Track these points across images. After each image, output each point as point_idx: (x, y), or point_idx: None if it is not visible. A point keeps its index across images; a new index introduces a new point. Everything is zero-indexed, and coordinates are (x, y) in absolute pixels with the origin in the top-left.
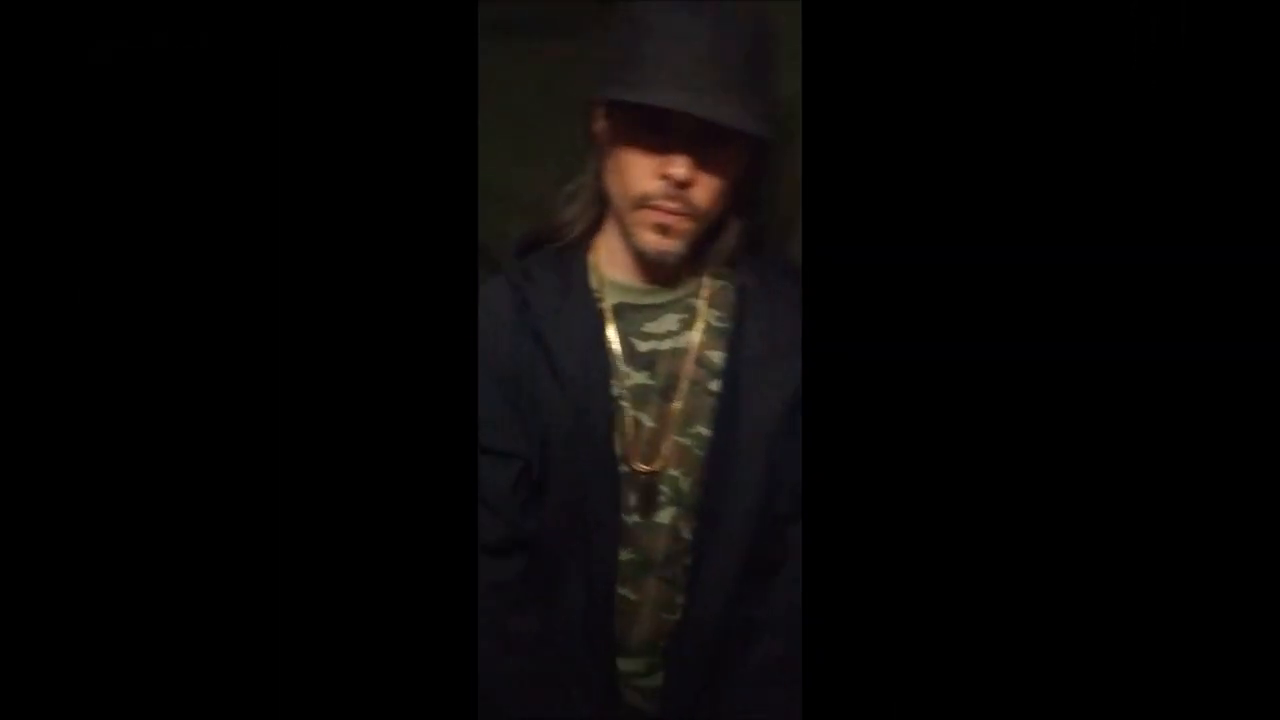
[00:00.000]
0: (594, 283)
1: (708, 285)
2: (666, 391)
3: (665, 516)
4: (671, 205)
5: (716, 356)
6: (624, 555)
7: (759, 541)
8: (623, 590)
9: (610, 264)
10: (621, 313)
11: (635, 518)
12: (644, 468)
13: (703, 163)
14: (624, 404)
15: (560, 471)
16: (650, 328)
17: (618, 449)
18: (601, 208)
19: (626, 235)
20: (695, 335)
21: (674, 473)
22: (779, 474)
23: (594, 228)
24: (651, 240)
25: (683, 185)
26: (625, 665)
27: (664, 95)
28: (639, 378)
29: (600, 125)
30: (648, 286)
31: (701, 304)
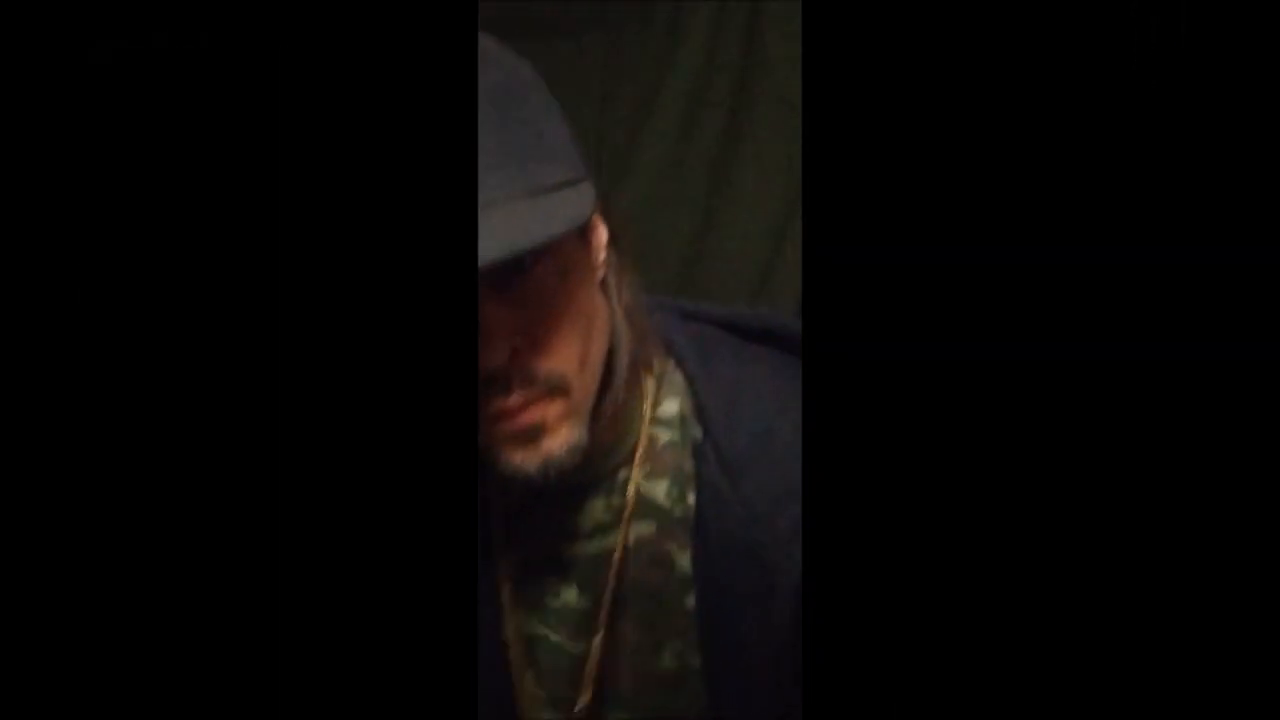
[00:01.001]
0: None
1: (648, 440)
2: (620, 607)
3: None
4: (516, 400)
5: (677, 554)
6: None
7: None
8: None
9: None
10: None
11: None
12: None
13: (520, 305)
14: (547, 638)
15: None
16: (571, 524)
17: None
18: None
19: (496, 464)
20: (642, 526)
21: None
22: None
23: None
24: (522, 457)
25: (507, 369)
26: None
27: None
28: (568, 597)
29: None
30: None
31: (640, 477)
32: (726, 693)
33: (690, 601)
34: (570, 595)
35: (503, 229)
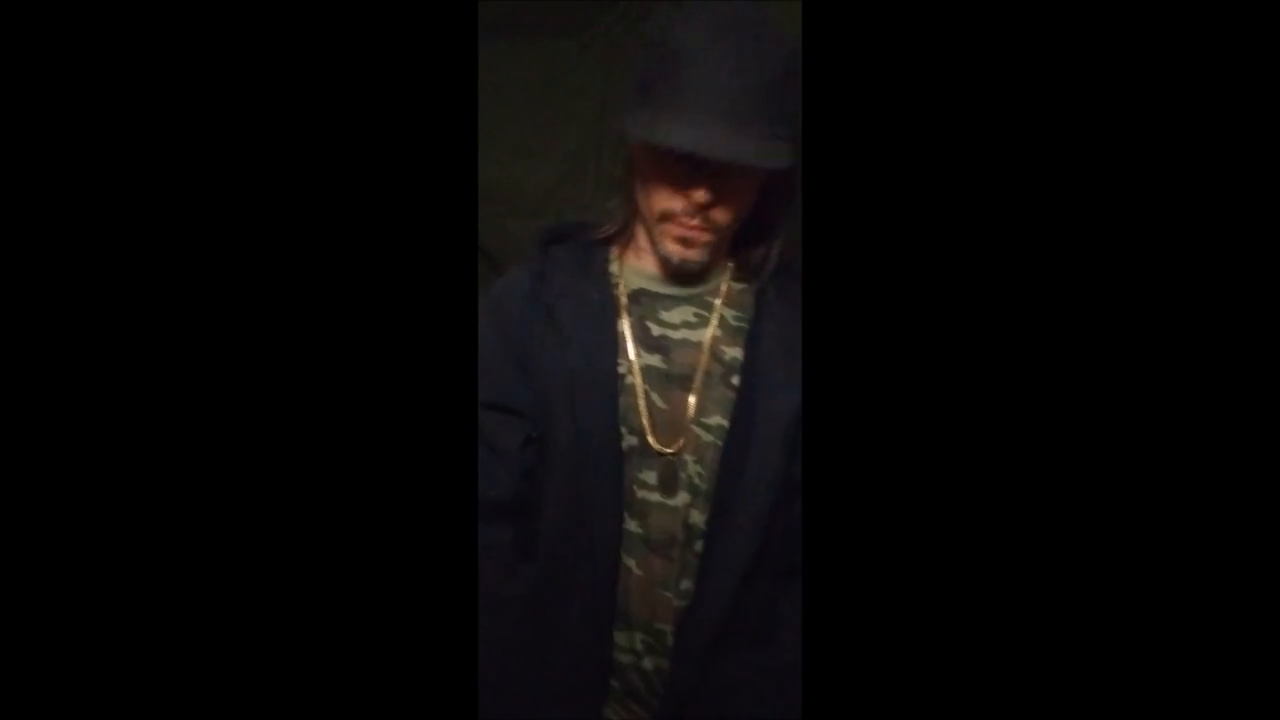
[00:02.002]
0: (614, 270)
1: (726, 286)
2: (682, 380)
3: (679, 499)
4: (693, 221)
5: (732, 352)
6: (630, 526)
7: (774, 539)
8: (627, 560)
9: (635, 257)
10: (637, 298)
11: (653, 495)
12: (664, 448)
13: (724, 189)
14: (631, 380)
15: (562, 438)
16: (665, 316)
17: (628, 423)
18: (631, 215)
19: (652, 242)
20: (710, 330)
21: (689, 458)
22: (795, 475)
23: (623, 230)
24: (674, 250)
25: (705, 208)
26: (620, 639)
27: (686, 136)
28: (650, 359)
29: (634, 150)
30: (667, 280)
31: (718, 302)
32: (745, 448)
33: (736, 380)
34: (654, 359)
35: (759, 149)
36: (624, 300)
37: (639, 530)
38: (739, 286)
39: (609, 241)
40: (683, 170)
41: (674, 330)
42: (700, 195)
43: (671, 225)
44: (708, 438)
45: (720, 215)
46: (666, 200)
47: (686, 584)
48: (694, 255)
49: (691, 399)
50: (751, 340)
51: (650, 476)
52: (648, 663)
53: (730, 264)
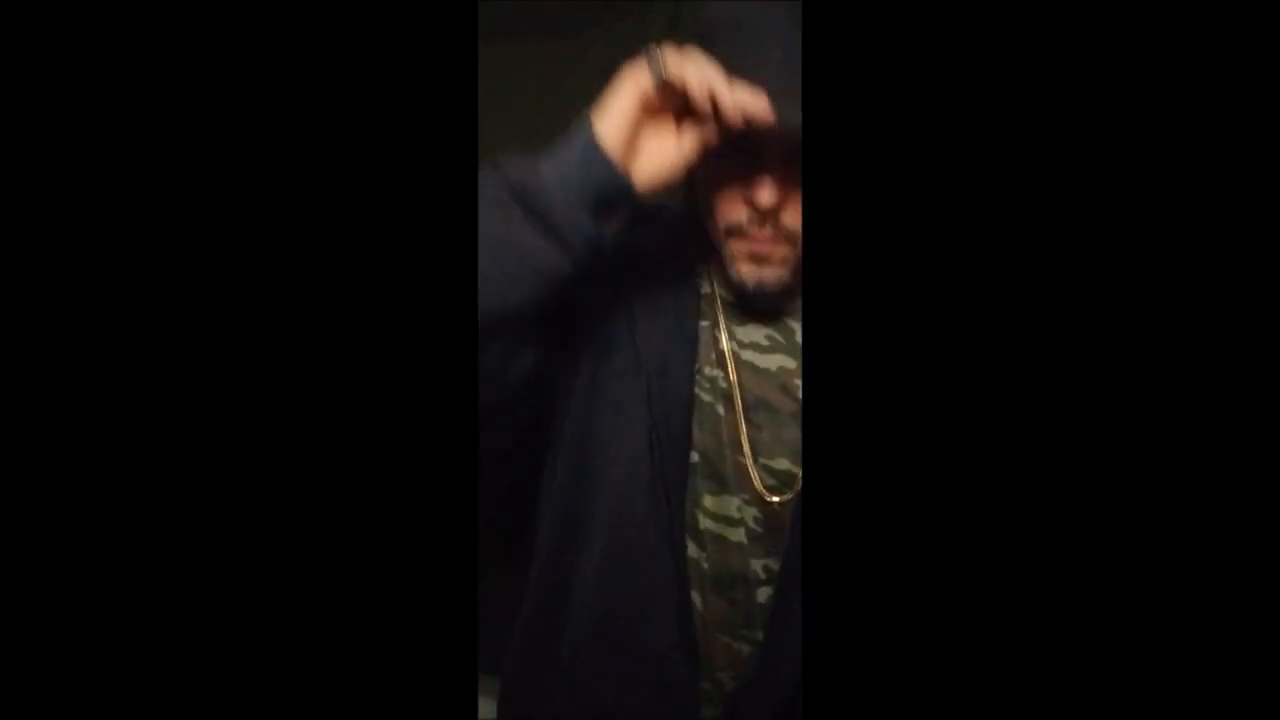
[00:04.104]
0: (699, 266)
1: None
2: (737, 405)
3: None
4: (764, 233)
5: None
6: (691, 553)
7: None
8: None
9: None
10: (713, 300)
11: (757, 547)
12: (773, 498)
13: (791, 183)
14: (703, 395)
15: (608, 431)
16: (738, 331)
17: (697, 437)
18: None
19: (726, 268)
20: (782, 358)
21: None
22: None
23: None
24: (748, 271)
25: (772, 211)
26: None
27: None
28: (715, 374)
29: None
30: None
31: (799, 327)
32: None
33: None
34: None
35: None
36: (705, 297)
37: (699, 558)
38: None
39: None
40: (743, 161)
41: (742, 350)
42: (764, 192)
43: (740, 241)
44: (768, 482)
45: (792, 220)
46: (730, 209)
47: (753, 637)
48: (771, 275)
49: (753, 433)
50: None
51: (754, 522)
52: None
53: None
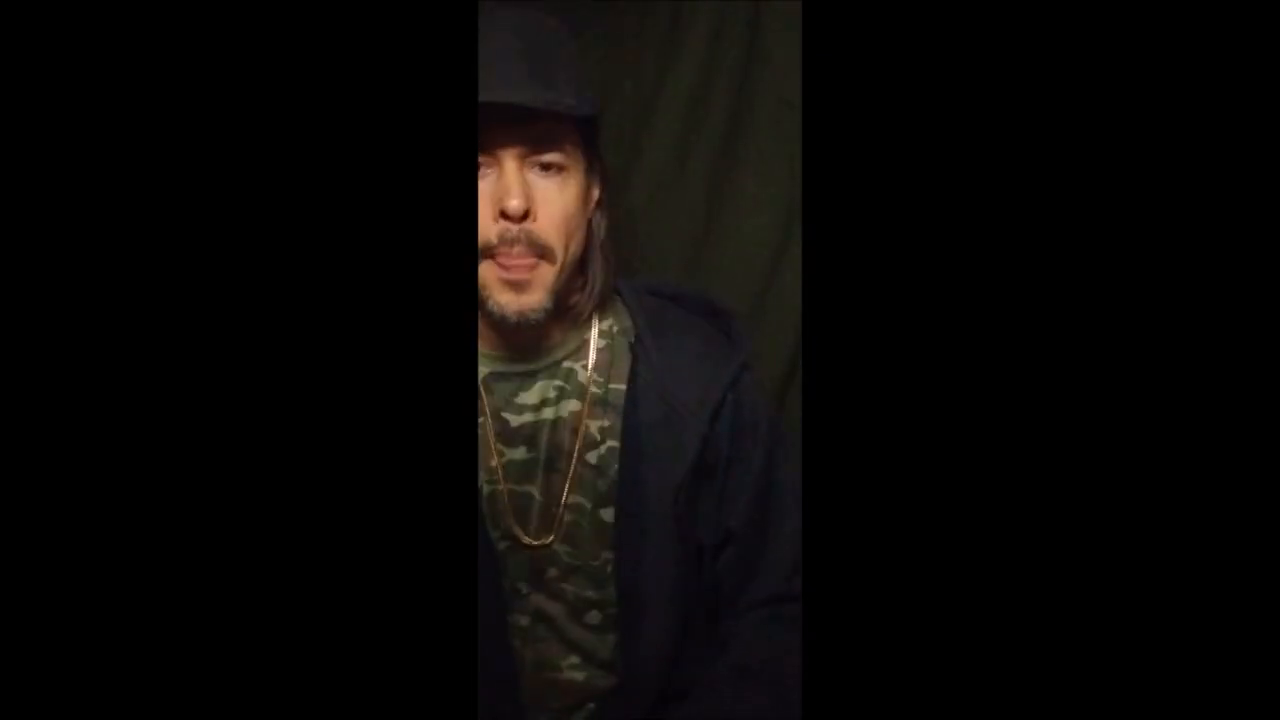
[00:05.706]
0: None
1: (589, 344)
2: (552, 463)
3: (567, 586)
4: (517, 251)
5: (595, 427)
6: (520, 621)
7: (687, 617)
8: (524, 650)
9: (480, 333)
10: (491, 386)
11: (525, 587)
12: (531, 541)
13: (537, 186)
14: (497, 484)
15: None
16: (523, 399)
17: (500, 525)
18: None
19: (483, 299)
20: (572, 404)
21: (561, 548)
22: (691, 545)
23: None
24: (507, 300)
25: (521, 218)
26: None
27: (488, 88)
28: (516, 454)
29: None
30: (515, 353)
31: (579, 368)
32: (633, 532)
33: (593, 458)
34: (518, 453)
35: (553, 98)
36: (480, 390)
37: (525, 623)
38: (603, 343)
39: None
40: (488, 165)
41: (537, 413)
42: (512, 197)
43: (494, 266)
44: (578, 522)
45: (545, 231)
46: (483, 227)
47: (604, 659)
48: (531, 302)
49: (560, 482)
50: (627, 408)
51: (525, 570)
52: None
53: (578, 311)
